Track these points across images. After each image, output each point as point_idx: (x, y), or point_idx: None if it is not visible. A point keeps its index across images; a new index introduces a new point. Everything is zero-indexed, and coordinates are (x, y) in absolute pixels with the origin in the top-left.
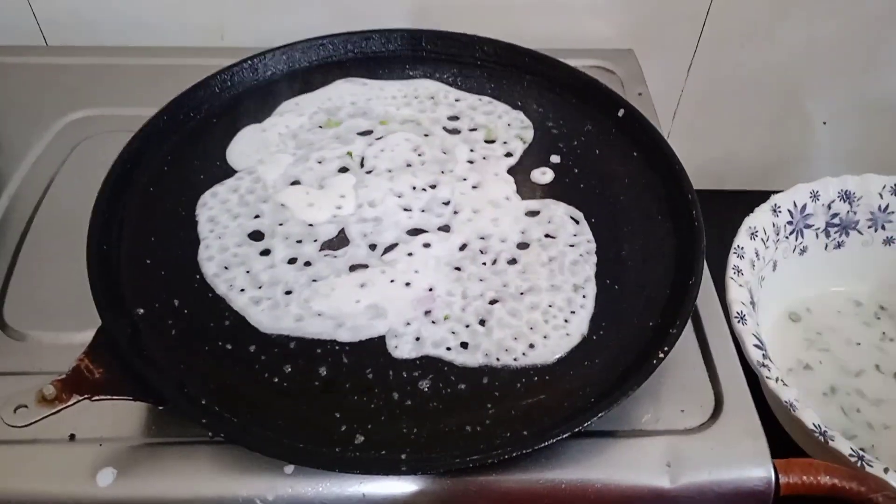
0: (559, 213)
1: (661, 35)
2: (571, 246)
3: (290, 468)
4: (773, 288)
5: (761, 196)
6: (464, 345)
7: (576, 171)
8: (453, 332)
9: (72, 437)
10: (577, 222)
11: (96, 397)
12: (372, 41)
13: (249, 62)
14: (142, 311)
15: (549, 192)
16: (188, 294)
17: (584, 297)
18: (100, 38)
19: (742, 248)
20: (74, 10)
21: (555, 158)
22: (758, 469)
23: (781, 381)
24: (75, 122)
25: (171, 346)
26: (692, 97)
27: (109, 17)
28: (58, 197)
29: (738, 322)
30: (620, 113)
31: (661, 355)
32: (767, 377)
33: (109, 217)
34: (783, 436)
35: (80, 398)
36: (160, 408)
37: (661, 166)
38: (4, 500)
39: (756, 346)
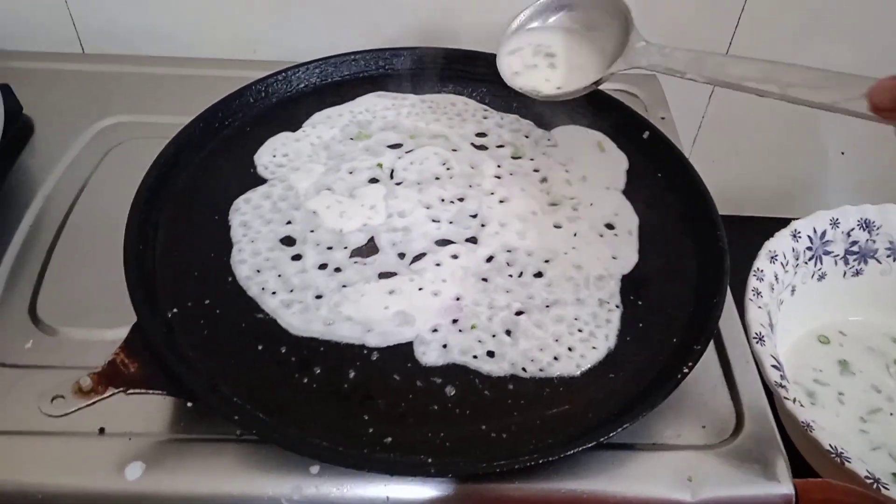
0: (585, 228)
1: None
2: (597, 260)
3: (315, 468)
4: (792, 313)
5: (778, 223)
6: (490, 354)
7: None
8: (480, 341)
9: (101, 430)
10: (602, 237)
11: (131, 391)
12: (402, 58)
13: (283, 74)
14: (175, 310)
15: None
16: (220, 295)
17: (609, 311)
18: (136, 47)
19: (762, 271)
20: (113, 20)
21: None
22: (778, 487)
23: (798, 401)
24: (109, 128)
25: (203, 344)
26: (713, 124)
27: (146, 29)
28: (91, 199)
29: (757, 343)
30: (645, 135)
31: (686, 370)
32: (785, 397)
33: (146, 218)
34: (796, 456)
35: (116, 391)
36: (189, 404)
37: (685, 188)
38: (35, 491)
39: (774, 366)
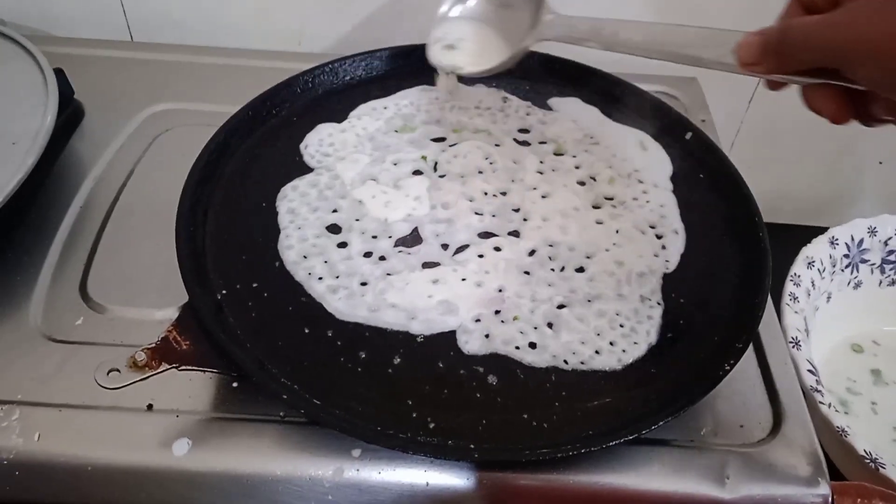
0: (627, 225)
1: None
2: (639, 257)
3: (357, 451)
4: (827, 320)
5: (814, 231)
6: (532, 345)
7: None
8: (522, 333)
9: (150, 406)
10: (644, 234)
11: (183, 367)
12: None
13: (331, 66)
14: (224, 291)
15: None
16: (268, 278)
17: (650, 308)
18: (183, 36)
19: (799, 276)
20: (162, 10)
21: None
22: (815, 488)
23: (834, 406)
24: (157, 115)
25: (252, 326)
26: (751, 129)
27: (195, 18)
28: (139, 183)
29: (793, 347)
30: (688, 136)
31: (728, 367)
32: (821, 402)
33: (196, 202)
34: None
35: (169, 367)
36: (234, 385)
37: (727, 189)
38: (85, 464)
39: (810, 371)
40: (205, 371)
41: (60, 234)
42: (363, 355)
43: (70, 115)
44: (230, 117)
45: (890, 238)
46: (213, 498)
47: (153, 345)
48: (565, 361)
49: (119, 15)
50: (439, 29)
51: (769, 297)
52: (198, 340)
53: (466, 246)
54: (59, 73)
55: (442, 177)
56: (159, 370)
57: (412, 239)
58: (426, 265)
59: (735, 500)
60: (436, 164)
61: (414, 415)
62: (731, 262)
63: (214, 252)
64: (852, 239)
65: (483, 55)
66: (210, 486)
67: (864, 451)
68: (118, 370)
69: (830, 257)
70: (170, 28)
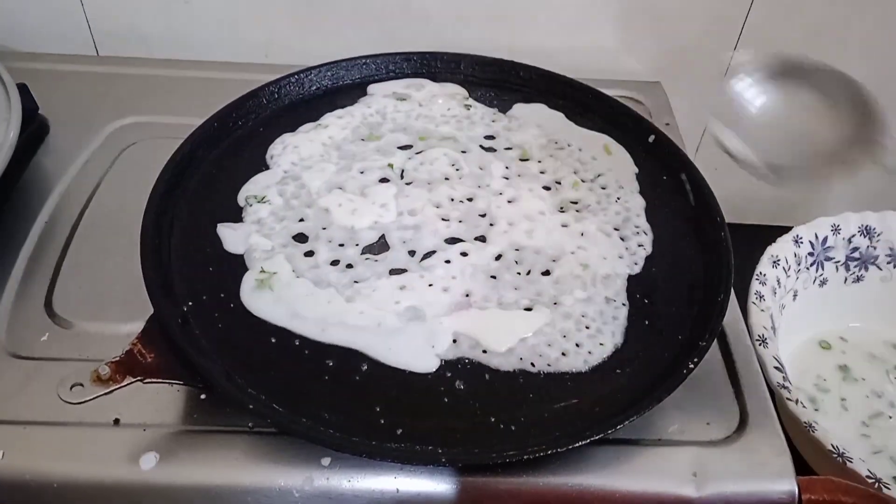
0: (592, 228)
1: (689, 71)
2: (604, 259)
3: (326, 460)
4: (793, 318)
5: (780, 231)
6: (499, 347)
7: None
8: (489, 335)
9: (116, 421)
10: (609, 237)
11: (148, 380)
12: (413, 62)
13: (296, 77)
14: (190, 303)
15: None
16: (235, 290)
17: (616, 309)
18: (149, 50)
19: (764, 275)
20: (127, 23)
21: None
22: (782, 484)
23: (801, 402)
24: (123, 128)
25: (218, 337)
26: None
27: (160, 32)
28: (105, 197)
29: (760, 345)
30: (651, 139)
31: (692, 365)
32: (788, 398)
33: (162, 211)
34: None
35: (133, 380)
36: (202, 396)
37: (690, 190)
38: (51, 481)
39: (776, 368)
40: (170, 383)
41: (25, 250)
42: (330, 364)
43: (35, 130)
44: (196, 129)
45: (853, 236)
46: None
47: (117, 358)
48: (532, 364)
49: (84, 29)
50: None
51: (735, 296)
52: (163, 353)
53: (433, 252)
54: (23, 89)
55: (409, 184)
56: (123, 384)
57: (379, 246)
58: (393, 272)
59: (703, 498)
60: (402, 171)
61: (382, 421)
62: (695, 262)
63: (180, 264)
64: (816, 237)
65: None
66: (179, 500)
67: (832, 445)
68: (81, 385)
69: (795, 256)
70: (135, 42)
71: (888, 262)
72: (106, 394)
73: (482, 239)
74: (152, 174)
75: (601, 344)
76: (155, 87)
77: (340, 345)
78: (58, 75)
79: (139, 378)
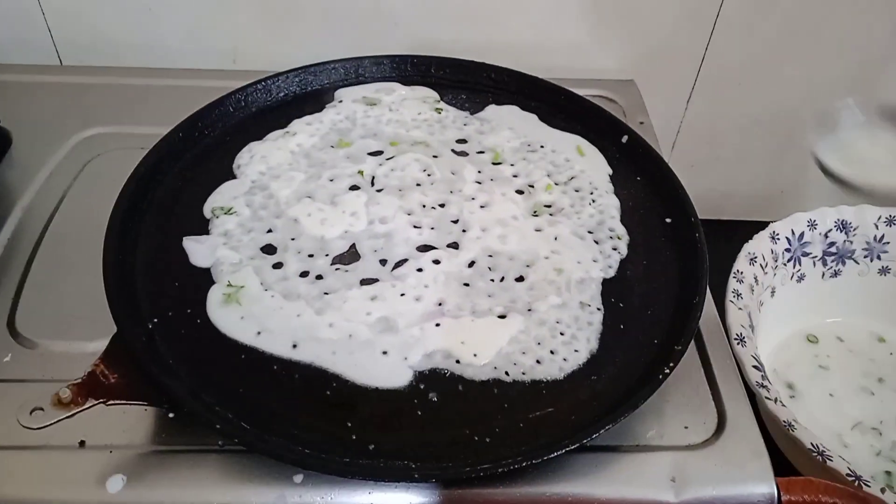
0: (565, 232)
1: (662, 68)
2: (578, 263)
3: (299, 477)
4: (772, 314)
5: (757, 226)
6: (472, 357)
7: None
8: (462, 344)
9: (82, 443)
10: (583, 240)
11: (111, 402)
12: (382, 66)
13: (263, 83)
14: (156, 320)
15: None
16: (202, 304)
17: (591, 314)
18: (113, 59)
19: (741, 272)
20: (90, 32)
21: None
22: (761, 486)
23: (780, 401)
24: (88, 140)
25: (185, 354)
26: (691, 129)
27: (124, 40)
28: (70, 211)
29: (738, 344)
30: (624, 139)
31: (667, 371)
32: (767, 397)
33: (126, 228)
34: (778, 457)
35: (96, 402)
36: (171, 415)
37: (664, 191)
38: None
39: (755, 367)
40: (134, 404)
41: None
42: (301, 379)
43: None
44: (159, 140)
45: (829, 230)
46: None
47: (79, 380)
48: (506, 373)
49: (46, 38)
50: None
51: (712, 296)
52: (127, 372)
53: (405, 260)
54: None
55: (379, 191)
56: (86, 406)
57: (350, 256)
58: (364, 282)
59: (683, 503)
60: (373, 178)
61: (354, 437)
62: (670, 264)
63: (145, 280)
64: (793, 233)
65: None
66: None
67: (812, 444)
68: (42, 409)
69: (772, 252)
70: (100, 51)
71: (865, 257)
72: (67, 417)
73: (455, 246)
74: (118, 186)
75: (576, 350)
76: (120, 96)
77: (310, 360)
78: (20, 86)
79: (102, 400)
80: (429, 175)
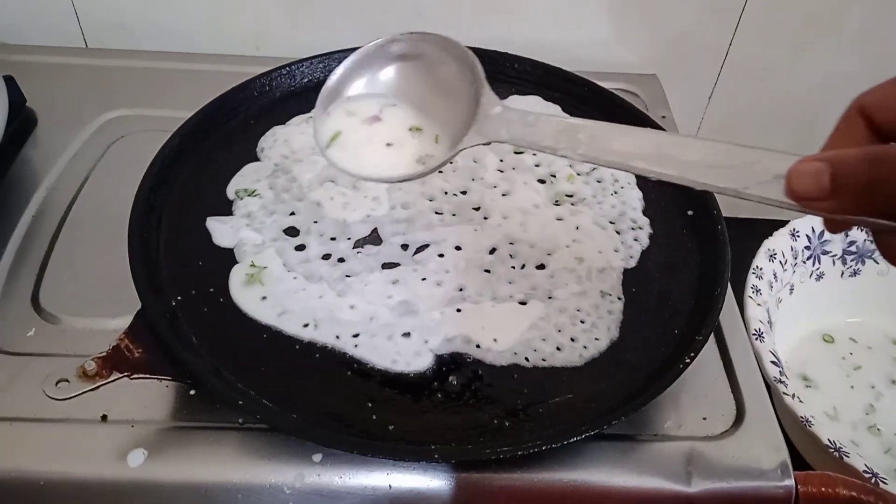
0: (587, 221)
1: (685, 63)
2: (599, 253)
3: (318, 456)
4: (790, 312)
5: (776, 225)
6: (493, 342)
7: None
8: (483, 329)
9: (104, 417)
10: (604, 230)
11: (135, 375)
12: None
13: (288, 68)
14: (179, 297)
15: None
16: (224, 284)
17: (611, 303)
18: (138, 42)
19: (761, 268)
20: (117, 15)
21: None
22: (779, 479)
23: (798, 397)
24: (112, 121)
25: (207, 331)
26: (712, 124)
27: (149, 24)
28: (94, 190)
29: (756, 339)
30: None
31: (688, 360)
32: (784, 393)
33: (150, 206)
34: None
35: (120, 375)
36: (192, 392)
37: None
38: (38, 478)
39: (773, 362)
40: (158, 379)
41: (12, 245)
42: (322, 359)
43: (22, 123)
44: (185, 122)
45: (851, 229)
46: None
47: (104, 353)
48: (526, 359)
49: (73, 21)
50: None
51: (731, 291)
52: (151, 348)
53: (426, 245)
54: (10, 81)
55: None
56: (110, 379)
57: (371, 240)
58: (386, 266)
59: (699, 493)
60: None
61: (374, 417)
62: (691, 255)
63: (169, 258)
64: (813, 231)
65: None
66: (167, 497)
67: (829, 440)
68: (67, 380)
69: (792, 249)
70: (125, 34)
71: None
72: (92, 390)
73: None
74: (141, 168)
75: (596, 339)
76: (144, 79)
77: (331, 341)
78: (46, 68)
79: (126, 374)
80: (451, 162)
